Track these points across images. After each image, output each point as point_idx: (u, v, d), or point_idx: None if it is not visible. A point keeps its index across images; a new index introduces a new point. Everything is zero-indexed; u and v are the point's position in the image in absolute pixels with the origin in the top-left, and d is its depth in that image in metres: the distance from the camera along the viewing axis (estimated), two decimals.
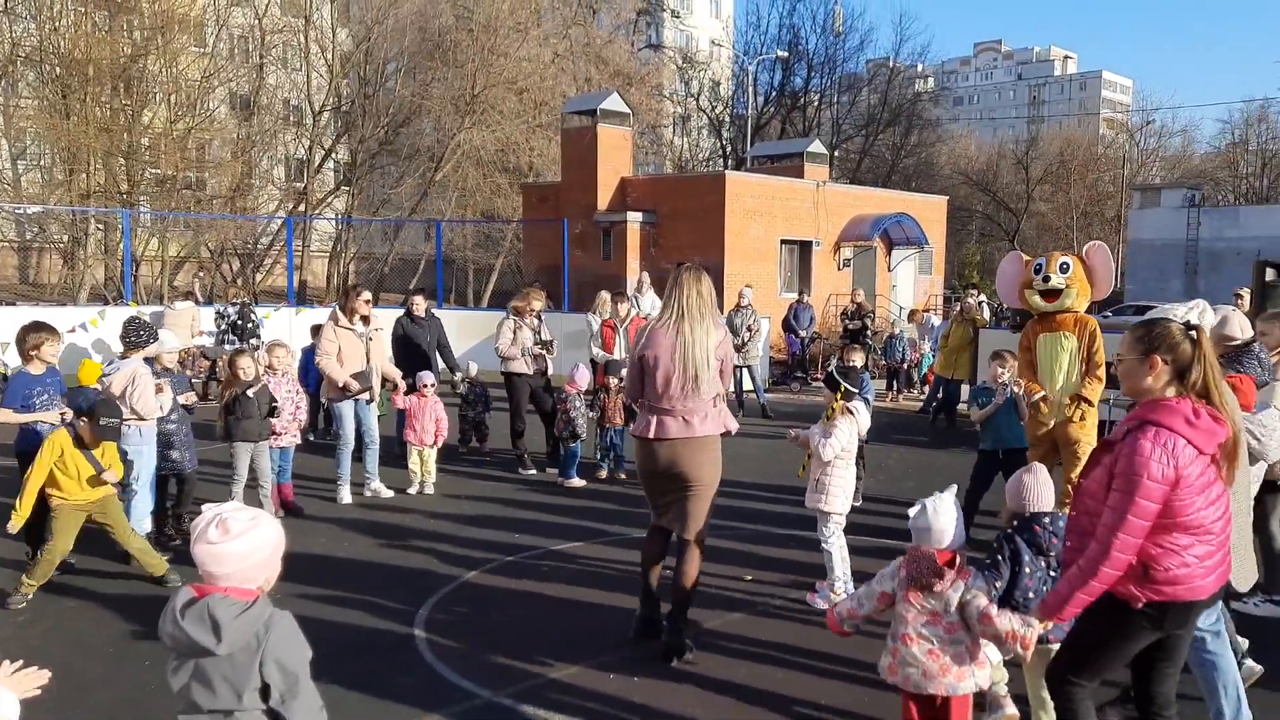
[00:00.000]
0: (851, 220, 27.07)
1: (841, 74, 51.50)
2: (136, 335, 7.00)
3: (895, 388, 16.77)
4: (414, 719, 4.57)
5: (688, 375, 5.08)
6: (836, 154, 47.24)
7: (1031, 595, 4.09)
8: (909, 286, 29.00)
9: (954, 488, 3.86)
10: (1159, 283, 40.01)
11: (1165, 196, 43.16)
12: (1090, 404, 7.08)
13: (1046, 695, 4.05)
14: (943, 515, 3.75)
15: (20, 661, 2.72)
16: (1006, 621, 3.57)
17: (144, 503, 6.91)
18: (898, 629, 3.74)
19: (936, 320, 17.91)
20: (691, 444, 5.19)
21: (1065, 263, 7.07)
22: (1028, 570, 4.12)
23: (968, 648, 3.70)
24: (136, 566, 6.41)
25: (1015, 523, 4.29)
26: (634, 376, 5.35)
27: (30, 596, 6.01)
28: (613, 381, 9.68)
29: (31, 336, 6.58)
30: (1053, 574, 4.21)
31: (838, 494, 6.02)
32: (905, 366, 17.03)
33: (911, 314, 19.23)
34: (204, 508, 2.65)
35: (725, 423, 5.31)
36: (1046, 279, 7.01)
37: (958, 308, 15.04)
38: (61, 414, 6.41)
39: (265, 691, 2.56)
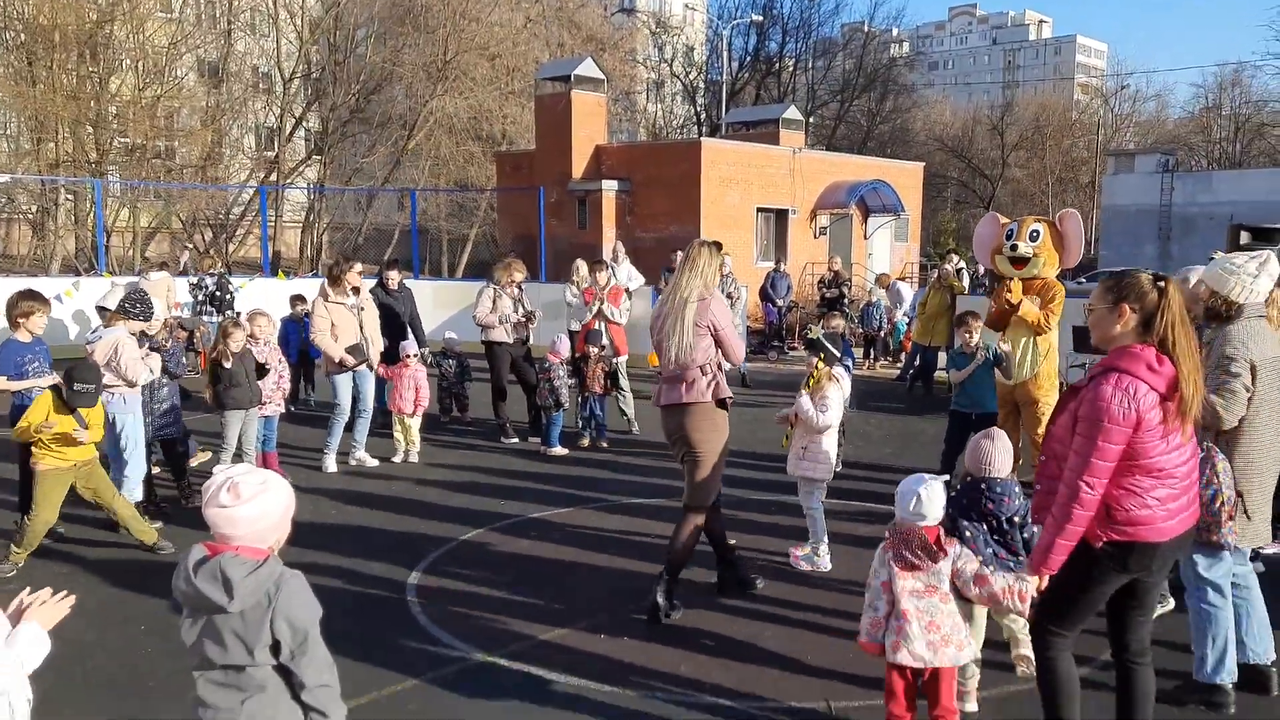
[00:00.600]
0: (827, 187, 27.13)
1: (816, 38, 51.44)
2: (134, 307, 7.00)
3: (872, 355, 16.93)
4: (410, 677, 4.66)
5: (668, 343, 5.29)
6: (812, 120, 47.19)
7: (979, 559, 4.21)
8: (885, 254, 29.14)
9: (945, 477, 3.88)
10: (1133, 248, 40.40)
11: (1139, 162, 43.47)
12: (1042, 330, 7.19)
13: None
14: (935, 502, 3.76)
15: (46, 590, 2.79)
16: (1001, 580, 3.65)
17: (135, 470, 6.94)
18: (895, 607, 3.74)
19: (905, 287, 17.99)
20: (683, 410, 5.35)
21: (1035, 230, 7.19)
22: (968, 534, 4.25)
23: (963, 616, 3.77)
24: (126, 535, 6.45)
25: (958, 486, 4.41)
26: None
27: (20, 565, 6.05)
28: (593, 351, 9.74)
29: (23, 304, 6.57)
30: (995, 538, 4.37)
31: (825, 461, 6.14)
32: (882, 334, 17.17)
33: (879, 278, 19.26)
34: (215, 470, 2.70)
35: (717, 391, 5.38)
36: (1015, 247, 7.14)
37: (935, 274, 15.18)
38: (55, 384, 6.42)
39: (276, 648, 2.63)
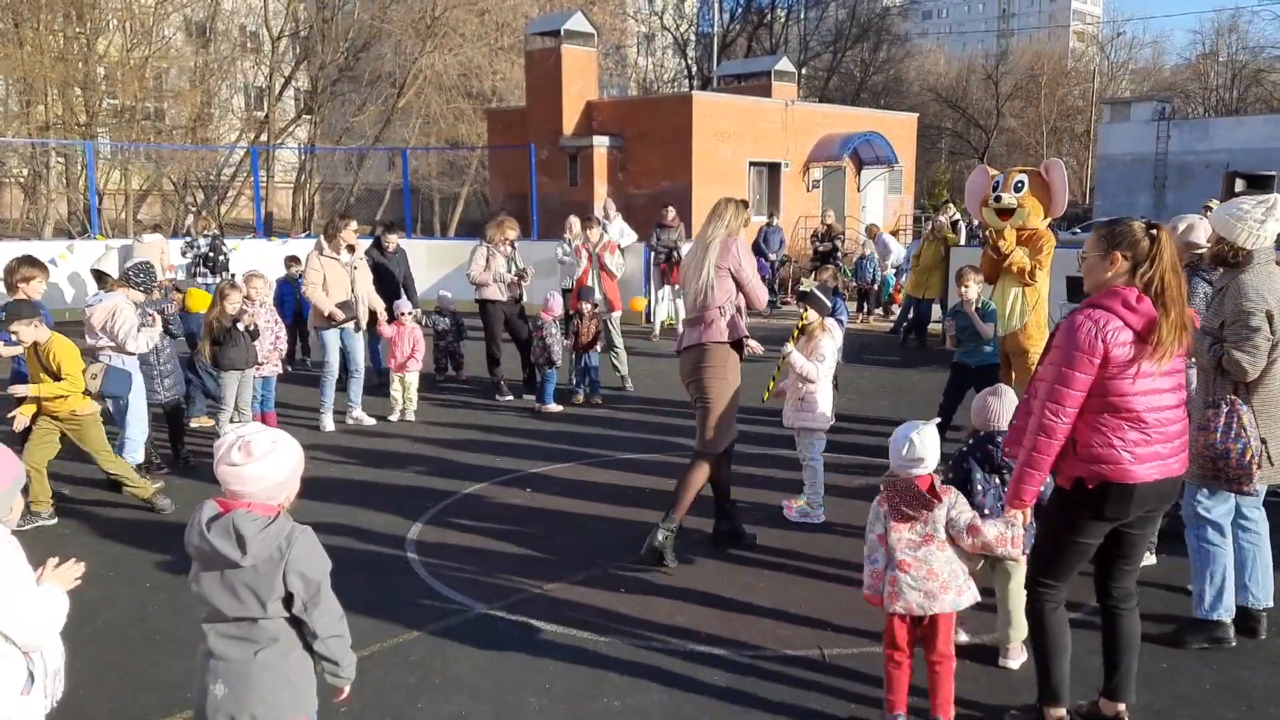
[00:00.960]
0: (820, 140, 27.02)
1: None
2: (138, 276, 7.07)
3: (866, 309, 16.99)
4: (412, 629, 4.78)
5: (690, 286, 5.53)
6: (804, 72, 46.84)
7: (987, 512, 4.26)
8: (879, 207, 29.09)
9: (938, 420, 3.93)
10: (1128, 197, 40.37)
11: (1135, 110, 43.27)
12: (1029, 281, 7.25)
13: (1015, 610, 4.27)
14: (927, 446, 3.76)
15: (56, 558, 2.90)
16: (992, 527, 3.72)
17: (137, 433, 7.02)
18: (892, 558, 3.75)
19: (891, 240, 17.94)
20: (700, 351, 5.49)
21: (1020, 180, 7.23)
22: (980, 488, 4.27)
23: (960, 563, 3.80)
24: (128, 495, 6.55)
25: (970, 441, 4.44)
26: None
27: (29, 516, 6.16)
28: (585, 307, 9.79)
29: (23, 270, 6.64)
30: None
31: (824, 410, 6.23)
32: (875, 287, 17.22)
33: (868, 229, 19.21)
34: (226, 428, 2.78)
35: (735, 331, 5.51)
36: (999, 198, 7.18)
37: (929, 226, 15.20)
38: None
39: (289, 601, 2.73)
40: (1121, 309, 3.41)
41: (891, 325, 15.49)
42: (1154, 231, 3.48)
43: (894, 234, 20.12)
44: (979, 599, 3.87)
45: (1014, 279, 7.35)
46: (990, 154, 51.75)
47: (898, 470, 3.80)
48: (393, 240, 10.79)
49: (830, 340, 6.28)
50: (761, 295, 5.63)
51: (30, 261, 6.77)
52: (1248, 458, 4.24)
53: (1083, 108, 57.38)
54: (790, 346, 6.24)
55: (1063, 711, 3.73)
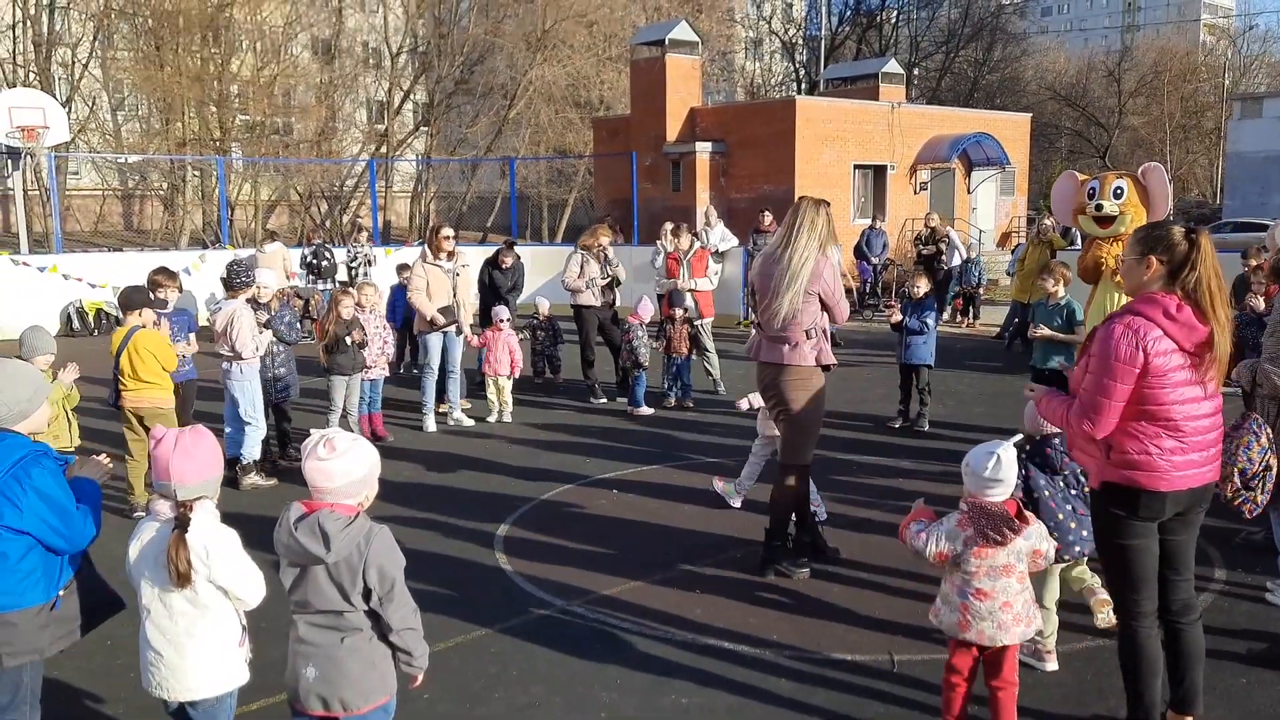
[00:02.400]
0: (929, 142, 26.60)
1: None
2: (237, 277, 7.54)
3: (972, 313, 16.70)
4: (494, 623, 5.01)
5: (776, 303, 5.29)
6: (915, 73, 46.10)
7: (1060, 516, 4.26)
8: (990, 209, 28.46)
9: (1017, 436, 3.87)
10: (1260, 197, 38.49)
11: (1268, 106, 41.27)
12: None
13: (1049, 610, 4.29)
14: (1009, 467, 3.67)
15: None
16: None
17: (255, 432, 7.50)
18: (967, 585, 3.66)
19: (956, 236, 17.28)
20: (778, 369, 5.41)
21: (1119, 187, 7.03)
22: (1046, 494, 4.25)
23: (1032, 594, 3.76)
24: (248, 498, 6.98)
25: (1028, 447, 4.39)
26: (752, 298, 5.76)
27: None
28: (678, 312, 9.96)
29: (152, 277, 7.42)
30: (1073, 492, 4.36)
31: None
32: (981, 291, 16.90)
33: (933, 232, 18.62)
34: (312, 431, 3.06)
35: (821, 357, 5.41)
36: (1100, 206, 7.00)
37: (1034, 230, 14.88)
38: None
39: (368, 594, 2.98)
40: (1162, 318, 3.38)
41: (996, 330, 15.22)
42: (1193, 236, 3.44)
43: (1005, 236, 19.58)
44: (1041, 629, 3.86)
45: (1116, 285, 7.18)
46: (1113, 152, 50.00)
47: (977, 493, 3.70)
48: (509, 258, 11.22)
49: None
50: (844, 311, 5.50)
51: (163, 271, 7.56)
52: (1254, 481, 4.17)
53: (1212, 104, 54.90)
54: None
55: None
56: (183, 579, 3.05)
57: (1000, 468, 3.63)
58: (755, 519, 6.50)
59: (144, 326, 6.68)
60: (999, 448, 3.66)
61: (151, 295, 7.17)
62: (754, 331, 5.67)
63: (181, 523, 3.07)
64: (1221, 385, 3.55)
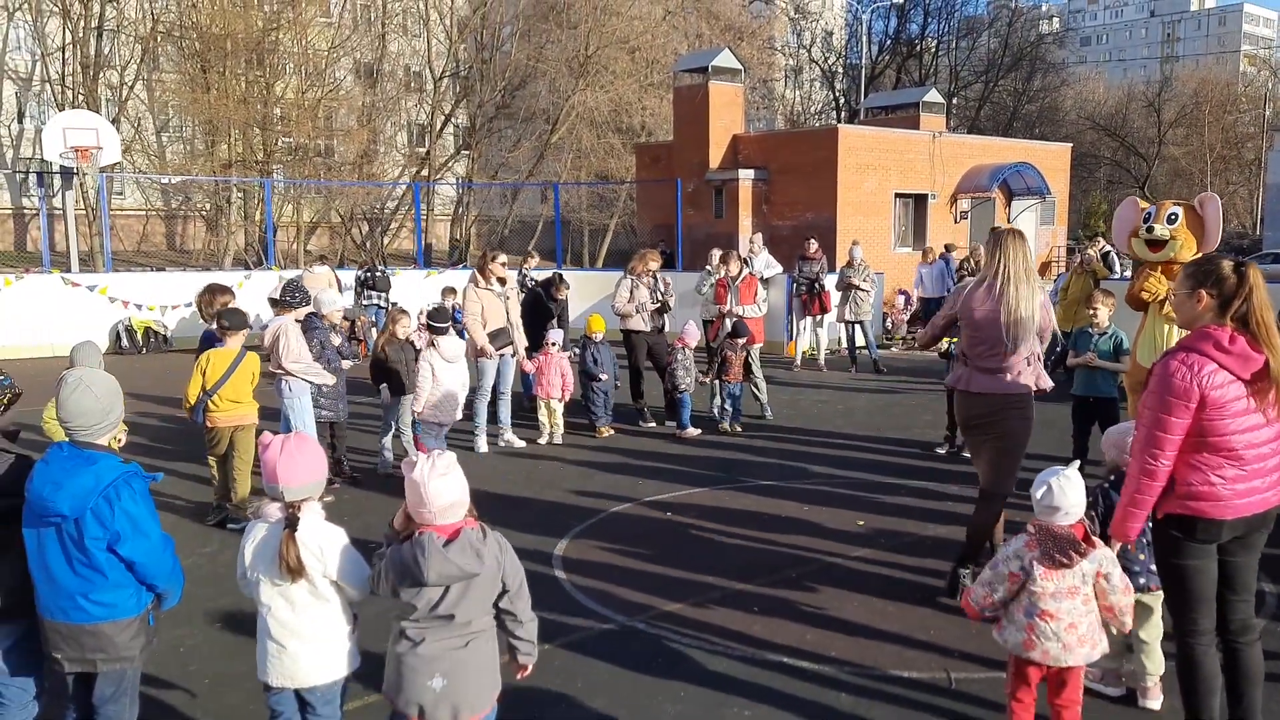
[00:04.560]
0: (969, 171, 26.64)
1: (960, 18, 50.20)
2: (292, 296, 7.74)
3: None
4: (556, 637, 5.14)
5: (1010, 335, 5.23)
6: (955, 102, 46.17)
7: (1136, 552, 4.29)
8: (1031, 237, 28.33)
9: (1077, 462, 3.91)
10: None
11: None
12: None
13: (1150, 647, 4.29)
14: (1071, 492, 3.72)
15: None
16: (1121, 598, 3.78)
17: None
18: (1033, 605, 3.72)
19: (926, 270, 17.12)
20: (999, 399, 5.40)
21: (1173, 213, 7.08)
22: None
23: (1098, 616, 3.81)
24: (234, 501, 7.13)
25: (1112, 477, 4.44)
26: (938, 330, 5.79)
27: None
28: (739, 341, 10.09)
29: (219, 298, 7.56)
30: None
31: None
32: None
33: (924, 253, 18.07)
34: (414, 456, 3.20)
35: (1038, 381, 5.48)
36: (1151, 229, 7.04)
37: (1077, 259, 14.88)
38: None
39: (501, 595, 3.22)
40: (1214, 351, 3.49)
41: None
42: (1242, 269, 3.55)
43: (1045, 265, 19.50)
44: (1108, 650, 3.90)
45: (1165, 317, 7.22)
46: (1151, 183, 49.75)
47: (1043, 518, 3.78)
48: (563, 291, 11.36)
49: None
50: (1048, 339, 5.52)
51: (219, 289, 7.71)
52: None
53: (1253, 135, 54.52)
54: None
55: None
56: (294, 574, 3.25)
57: (1051, 495, 3.72)
58: (808, 541, 6.62)
59: (248, 349, 7.02)
60: (1052, 476, 3.76)
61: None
62: (956, 363, 5.65)
63: (291, 522, 3.25)
64: None
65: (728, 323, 10.38)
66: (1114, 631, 3.99)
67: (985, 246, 5.59)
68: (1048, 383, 5.52)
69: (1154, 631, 4.37)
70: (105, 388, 3.46)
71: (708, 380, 10.22)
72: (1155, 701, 4.35)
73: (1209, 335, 3.55)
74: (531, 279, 14.32)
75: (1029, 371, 5.38)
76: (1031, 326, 5.25)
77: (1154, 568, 4.24)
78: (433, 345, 7.98)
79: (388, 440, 8.58)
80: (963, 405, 5.55)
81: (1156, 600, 4.26)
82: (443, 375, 7.93)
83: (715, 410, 10.27)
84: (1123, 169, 54.22)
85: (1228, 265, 3.59)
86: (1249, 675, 3.78)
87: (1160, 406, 3.54)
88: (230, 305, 7.37)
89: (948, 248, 18.14)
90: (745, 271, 10.75)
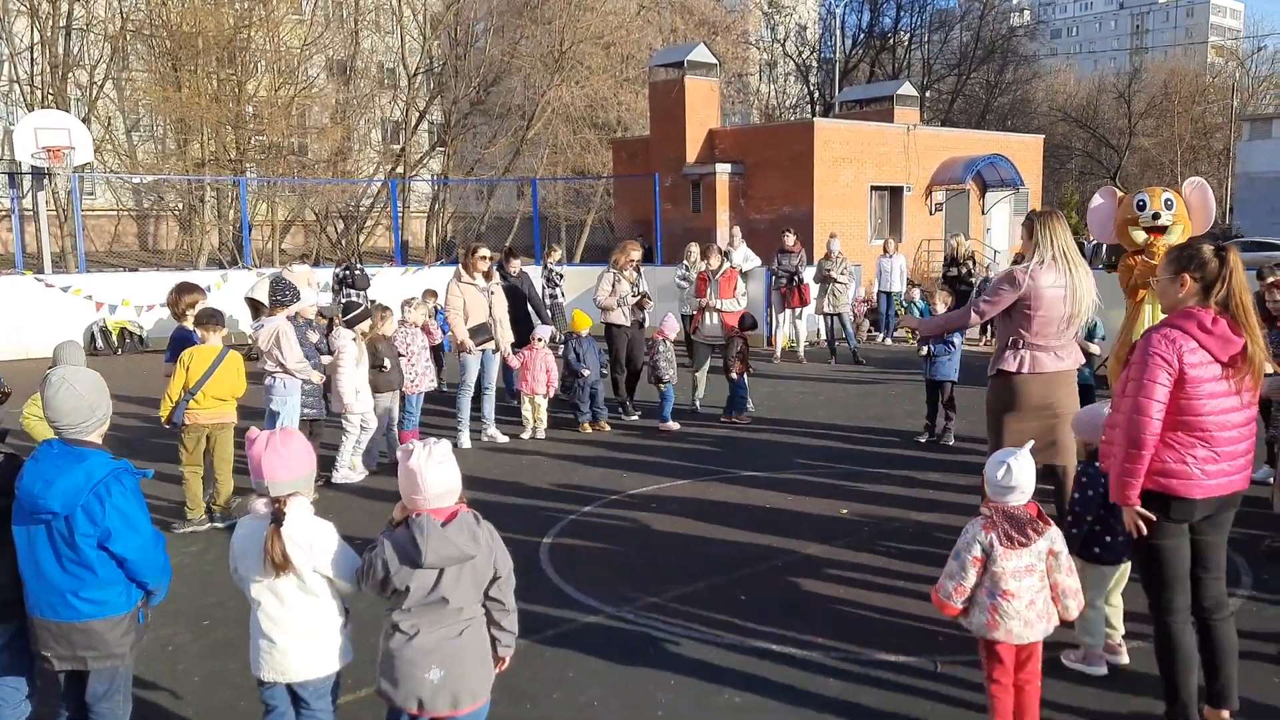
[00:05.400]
0: (943, 163, 26.85)
1: (932, 11, 50.50)
2: (283, 294, 7.70)
3: (990, 331, 16.81)
4: (547, 628, 5.17)
5: (1073, 315, 5.46)
6: (928, 95, 46.40)
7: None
8: (1004, 229, 28.66)
9: (1030, 443, 3.97)
10: (1270, 217, 38.62)
11: (1277, 127, 41.50)
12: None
13: (1088, 613, 4.36)
14: (1027, 471, 3.80)
15: None
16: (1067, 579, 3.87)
17: None
18: (995, 586, 3.78)
19: (897, 260, 17.26)
20: (1060, 376, 5.57)
21: (1169, 199, 7.14)
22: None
23: (1049, 592, 3.88)
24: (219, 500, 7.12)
25: (1090, 464, 4.53)
26: (985, 309, 5.72)
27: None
28: (746, 334, 10.25)
29: (186, 297, 7.41)
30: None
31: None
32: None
33: (885, 245, 18.07)
34: (410, 443, 3.22)
35: (1077, 358, 5.71)
36: (1156, 215, 7.06)
37: None
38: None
39: (492, 582, 3.23)
40: (1196, 330, 3.59)
41: None
42: (1223, 253, 3.65)
43: (1019, 257, 19.64)
44: (1056, 623, 3.96)
45: (1153, 295, 7.27)
46: (1123, 173, 50.22)
47: (997, 499, 3.85)
48: (516, 265, 11.34)
49: None
50: None
51: (191, 289, 7.60)
52: None
53: (1221, 125, 55.15)
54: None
55: None
56: (279, 568, 3.25)
57: (1011, 475, 3.79)
58: (793, 530, 6.67)
59: (230, 347, 6.98)
60: (1010, 456, 3.83)
61: (184, 317, 7.36)
62: (1008, 349, 5.60)
63: (277, 517, 3.25)
64: (1257, 396, 3.72)
65: (708, 316, 10.42)
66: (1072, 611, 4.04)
67: (1027, 228, 5.63)
68: (1094, 348, 5.65)
69: (1107, 595, 4.56)
70: (89, 384, 3.45)
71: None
72: (1124, 657, 4.55)
73: (1192, 315, 3.64)
74: (558, 274, 14.32)
75: (1076, 350, 5.66)
76: (1090, 304, 5.46)
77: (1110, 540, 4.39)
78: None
79: (366, 437, 8.54)
80: (1020, 388, 5.54)
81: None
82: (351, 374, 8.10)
83: (696, 403, 10.30)
84: (1094, 160, 54.70)
85: (1209, 250, 3.68)
86: (1224, 650, 3.86)
87: (1145, 375, 3.62)
88: (200, 304, 7.33)
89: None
90: (725, 265, 10.77)
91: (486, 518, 3.33)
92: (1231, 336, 3.59)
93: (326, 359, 8.22)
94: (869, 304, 17.58)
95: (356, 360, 8.21)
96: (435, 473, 3.10)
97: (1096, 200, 7.73)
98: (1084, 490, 4.50)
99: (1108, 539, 4.44)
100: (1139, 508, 3.70)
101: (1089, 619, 4.43)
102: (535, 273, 11.85)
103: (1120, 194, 7.59)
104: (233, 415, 7.01)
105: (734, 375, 10.21)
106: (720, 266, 10.69)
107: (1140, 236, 7.27)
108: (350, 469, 8.25)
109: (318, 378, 7.70)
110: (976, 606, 3.85)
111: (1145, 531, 3.71)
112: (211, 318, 6.96)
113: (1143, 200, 7.25)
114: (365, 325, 8.40)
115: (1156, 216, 7.08)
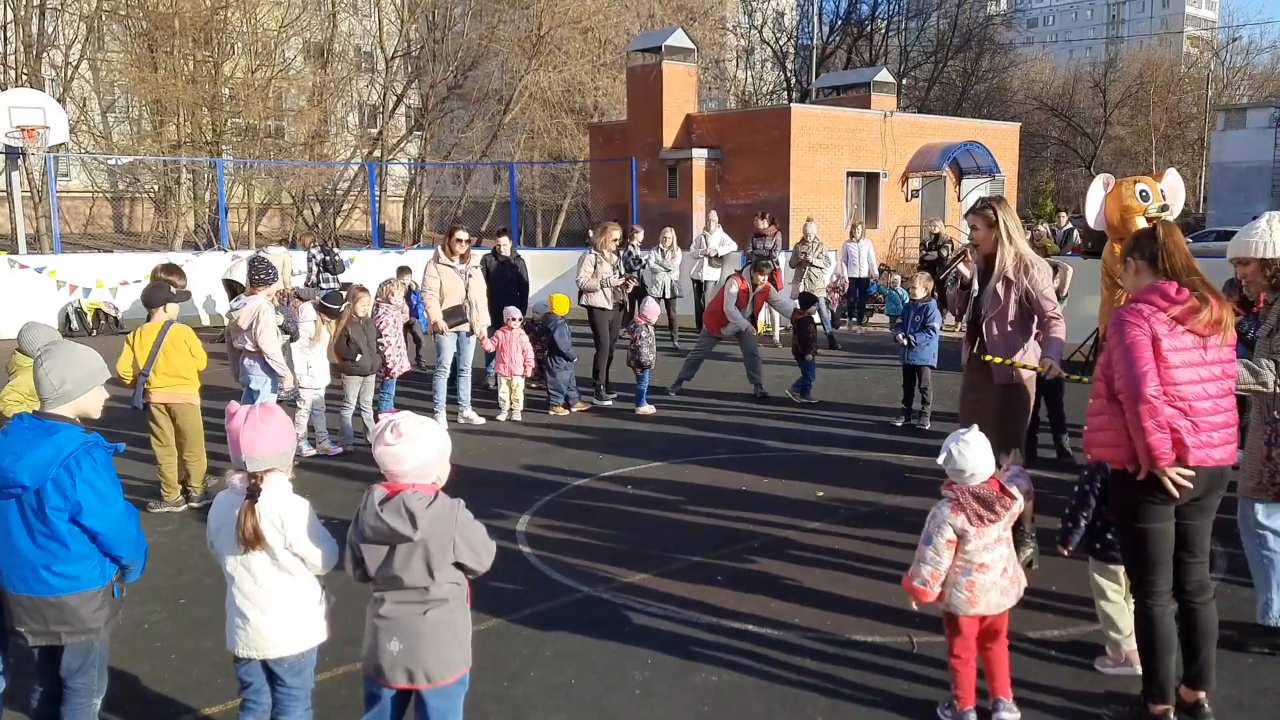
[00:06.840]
0: (920, 150, 26.95)
1: None
2: (263, 274, 7.65)
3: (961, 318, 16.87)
4: (524, 608, 5.19)
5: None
6: (905, 82, 46.51)
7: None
8: None
9: (974, 428, 3.97)
10: (1243, 207, 38.94)
11: (1251, 117, 41.89)
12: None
13: (1108, 608, 4.40)
14: (974, 450, 3.83)
15: None
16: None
17: None
18: (969, 563, 3.83)
19: (853, 247, 17.15)
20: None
21: (1163, 188, 7.25)
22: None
23: (1014, 555, 4.00)
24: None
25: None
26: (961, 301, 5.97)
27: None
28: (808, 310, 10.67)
29: (169, 275, 7.39)
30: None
31: None
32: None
33: (936, 237, 18.17)
34: (381, 416, 3.22)
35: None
36: (1166, 206, 7.16)
37: (1029, 235, 15.13)
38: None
39: (460, 569, 3.16)
40: (1161, 300, 3.70)
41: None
42: (1151, 226, 3.92)
43: (973, 247, 19.56)
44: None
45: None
46: (1097, 162, 50.50)
47: (958, 481, 3.88)
48: (505, 243, 11.36)
49: None
50: None
51: (170, 269, 7.60)
52: None
53: (1195, 115, 55.60)
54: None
55: (1168, 707, 3.86)
56: (249, 544, 3.24)
57: (952, 460, 3.85)
58: (769, 512, 6.73)
59: (172, 322, 6.83)
60: (952, 442, 3.87)
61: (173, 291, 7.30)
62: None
63: (252, 493, 3.25)
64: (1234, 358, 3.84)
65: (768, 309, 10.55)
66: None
67: (986, 218, 5.66)
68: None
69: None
70: (61, 360, 3.45)
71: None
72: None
73: (1156, 288, 3.76)
74: (637, 258, 14.06)
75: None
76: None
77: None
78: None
79: (348, 415, 8.56)
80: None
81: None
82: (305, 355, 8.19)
83: (675, 391, 10.38)
84: (1069, 149, 55.03)
85: (1144, 234, 3.93)
86: (1204, 633, 3.92)
87: (1126, 347, 3.69)
88: (171, 283, 7.29)
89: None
90: (762, 281, 10.72)
91: (463, 498, 3.29)
92: (1196, 304, 3.68)
93: (284, 339, 8.21)
94: (840, 292, 17.47)
95: (312, 338, 8.19)
96: (381, 451, 3.10)
97: (1094, 190, 7.68)
98: (1081, 487, 4.50)
99: (1109, 535, 4.38)
100: (1126, 488, 3.75)
101: (1109, 613, 4.40)
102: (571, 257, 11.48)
103: (1115, 181, 7.65)
104: (194, 394, 6.89)
105: (810, 357, 10.60)
106: (758, 284, 10.66)
107: (1142, 225, 7.36)
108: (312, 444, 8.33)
109: (289, 384, 7.67)
110: (952, 587, 3.88)
111: (1188, 488, 3.70)
112: (150, 295, 6.90)
113: (1145, 190, 7.31)
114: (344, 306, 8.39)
115: (1165, 210, 7.19)
